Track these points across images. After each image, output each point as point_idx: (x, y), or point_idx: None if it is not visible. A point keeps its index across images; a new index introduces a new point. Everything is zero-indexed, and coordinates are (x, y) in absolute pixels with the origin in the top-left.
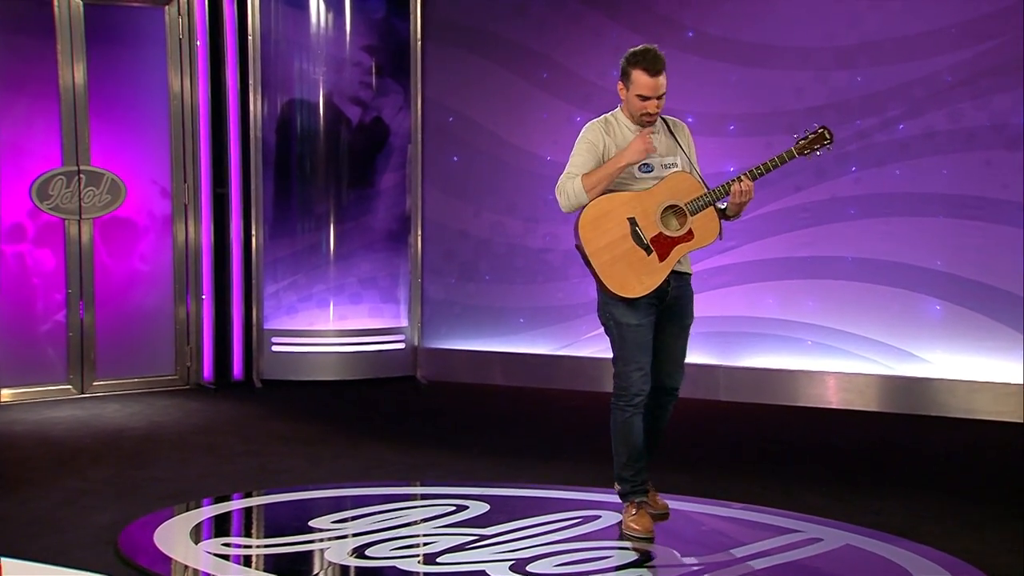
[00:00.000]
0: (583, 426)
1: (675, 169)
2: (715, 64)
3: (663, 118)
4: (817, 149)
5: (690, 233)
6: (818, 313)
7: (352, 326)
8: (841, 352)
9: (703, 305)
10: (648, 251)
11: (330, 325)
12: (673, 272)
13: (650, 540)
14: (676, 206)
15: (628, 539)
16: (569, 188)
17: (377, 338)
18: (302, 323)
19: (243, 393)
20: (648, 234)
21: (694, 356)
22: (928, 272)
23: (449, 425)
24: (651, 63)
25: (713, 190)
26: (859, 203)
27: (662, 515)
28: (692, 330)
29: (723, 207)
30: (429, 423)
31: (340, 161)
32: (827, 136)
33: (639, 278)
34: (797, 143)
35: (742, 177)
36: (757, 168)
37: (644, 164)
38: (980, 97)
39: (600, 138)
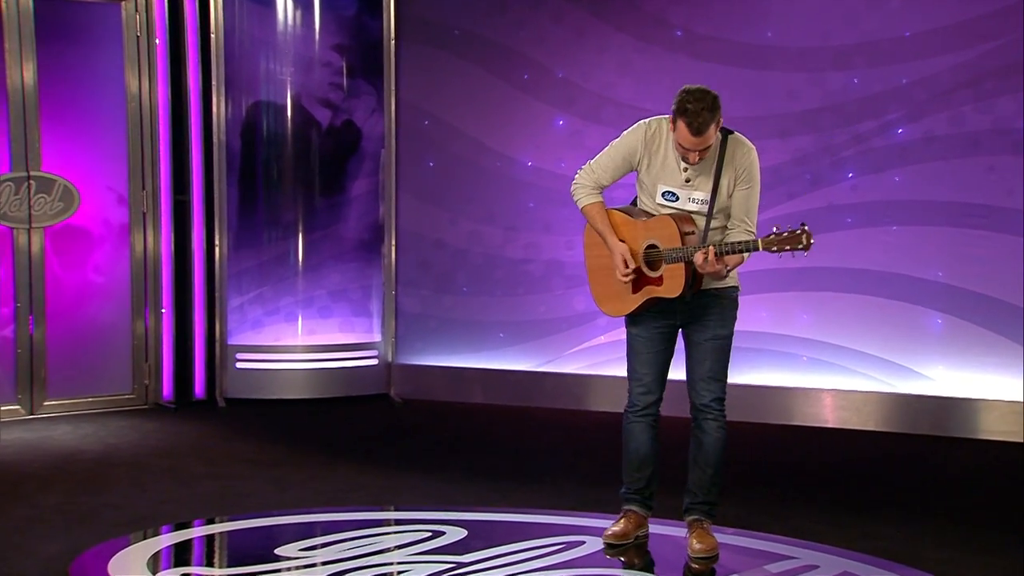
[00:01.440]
0: (566, 447)
1: (690, 207)
2: (705, 65)
3: (727, 139)
4: (788, 249)
5: (661, 279)
6: (813, 327)
7: (322, 341)
8: (838, 368)
9: None
10: None
11: (298, 340)
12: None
13: (613, 547)
14: (657, 248)
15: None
16: (578, 197)
17: (348, 354)
18: (268, 338)
19: (205, 412)
20: (630, 265)
21: (680, 372)
22: (929, 284)
23: (425, 446)
24: (693, 119)
25: (686, 248)
26: (856, 211)
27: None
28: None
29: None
30: (403, 444)
31: (309, 166)
32: (803, 241)
33: (611, 300)
34: (767, 236)
35: (709, 248)
36: (725, 244)
37: (670, 192)
38: (983, 100)
39: (638, 149)
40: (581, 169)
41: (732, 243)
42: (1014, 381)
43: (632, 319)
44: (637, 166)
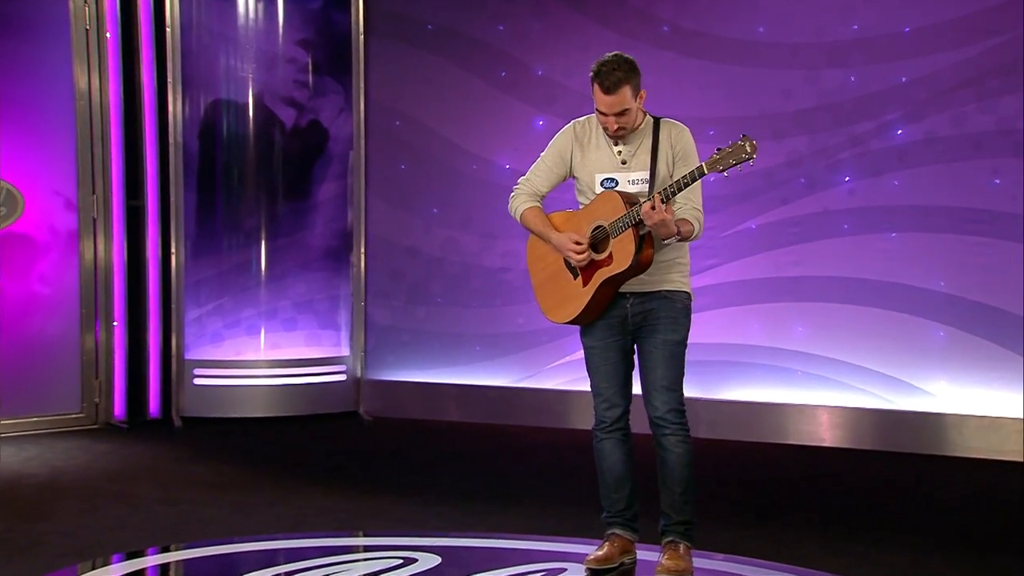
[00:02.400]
0: (547, 468)
1: (618, 188)
2: (693, 62)
3: (659, 122)
4: (735, 164)
5: (610, 257)
6: (808, 340)
7: (286, 356)
8: (834, 383)
9: None
10: (575, 275)
11: (261, 355)
12: (633, 292)
13: (596, 572)
14: (602, 227)
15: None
16: (514, 207)
17: (315, 369)
18: (229, 352)
19: (160, 433)
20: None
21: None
22: (930, 294)
23: (396, 467)
24: (604, 78)
25: (631, 210)
26: (853, 217)
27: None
28: None
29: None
30: (373, 465)
31: (272, 169)
32: (747, 150)
33: (563, 304)
34: (710, 158)
35: (655, 195)
36: (670, 186)
37: (608, 178)
38: (986, 99)
39: (569, 145)
40: (517, 183)
41: (677, 180)
42: (1021, 397)
43: (585, 330)
44: (572, 165)
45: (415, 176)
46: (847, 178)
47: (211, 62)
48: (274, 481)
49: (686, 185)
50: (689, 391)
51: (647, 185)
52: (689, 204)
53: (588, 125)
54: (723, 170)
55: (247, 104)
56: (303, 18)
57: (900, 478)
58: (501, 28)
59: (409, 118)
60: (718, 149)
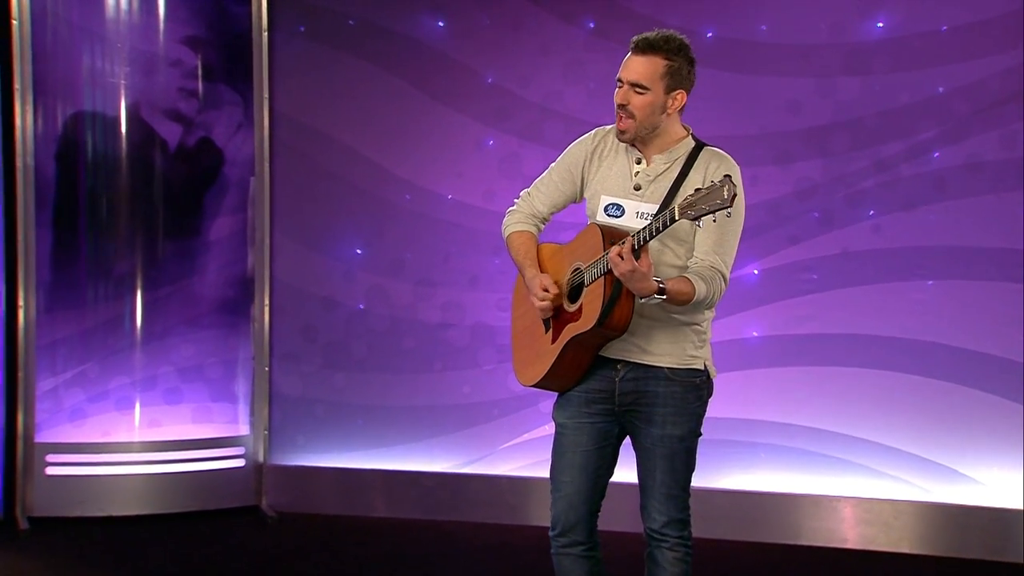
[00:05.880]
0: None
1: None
2: None
3: (701, 148)
4: (708, 212)
5: (580, 310)
6: (826, 413)
7: (168, 436)
8: (859, 468)
9: None
10: (547, 327)
11: (135, 436)
12: (626, 362)
13: None
14: (580, 269)
15: None
16: (505, 224)
17: (205, 453)
18: (94, 433)
19: (1, 537)
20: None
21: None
22: (978, 357)
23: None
24: (640, 39)
25: (604, 254)
26: (880, 260)
27: None
28: None
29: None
30: (279, 574)
31: (151, 200)
32: (724, 195)
33: (533, 361)
34: (685, 199)
35: (626, 240)
36: (643, 231)
37: (613, 204)
38: None
39: (583, 157)
40: (518, 196)
41: (648, 226)
42: None
43: (559, 401)
44: (583, 183)
45: (333, 209)
46: (871, 212)
47: (72, 64)
48: None
49: (657, 231)
50: None
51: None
52: (707, 259)
53: (614, 136)
54: (695, 218)
55: (119, 117)
56: (191, 10)
57: None
58: (441, 25)
59: (325, 136)
60: (696, 189)
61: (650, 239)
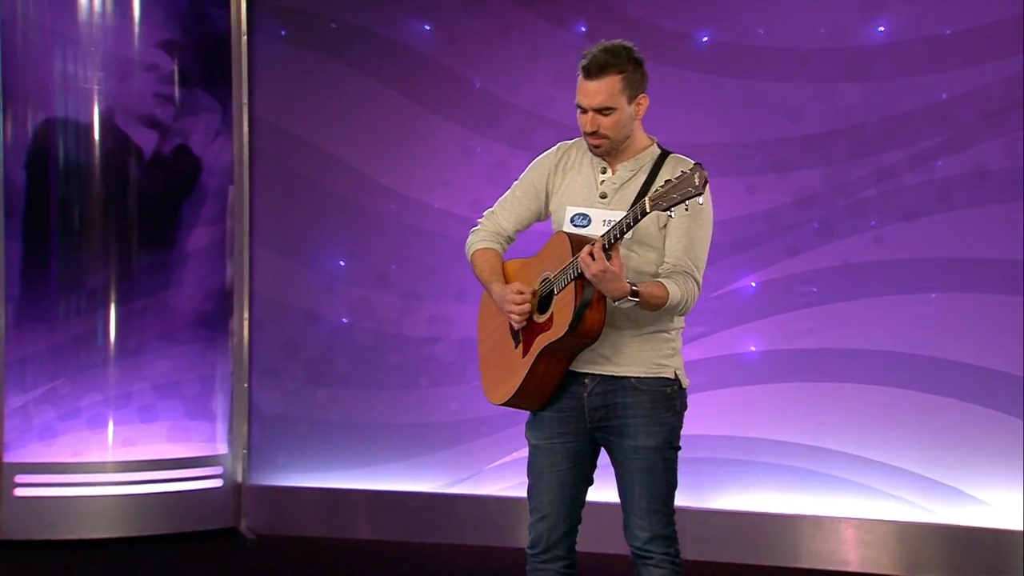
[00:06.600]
0: None
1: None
2: (673, 72)
3: (666, 156)
4: (679, 200)
5: (551, 319)
6: (826, 431)
7: (143, 455)
8: (860, 488)
9: None
10: (516, 341)
11: (108, 455)
12: (594, 374)
13: None
14: (549, 278)
15: None
16: (468, 246)
17: (181, 473)
18: (64, 453)
19: None
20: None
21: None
22: (983, 373)
23: None
24: (589, 60)
25: (575, 258)
26: (882, 273)
27: None
28: None
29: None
30: None
31: (126, 210)
32: (695, 182)
33: (503, 379)
34: (654, 190)
35: (596, 241)
36: (613, 227)
37: (580, 214)
38: None
39: (547, 172)
40: (481, 215)
41: (619, 221)
42: None
43: (531, 422)
44: (548, 198)
45: (315, 219)
46: (873, 223)
47: (43, 69)
48: None
49: (628, 227)
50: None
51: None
52: (680, 263)
53: (578, 149)
54: (666, 208)
55: (91, 124)
56: (167, 12)
57: None
58: (427, 28)
59: (307, 143)
60: (666, 180)
61: (621, 236)
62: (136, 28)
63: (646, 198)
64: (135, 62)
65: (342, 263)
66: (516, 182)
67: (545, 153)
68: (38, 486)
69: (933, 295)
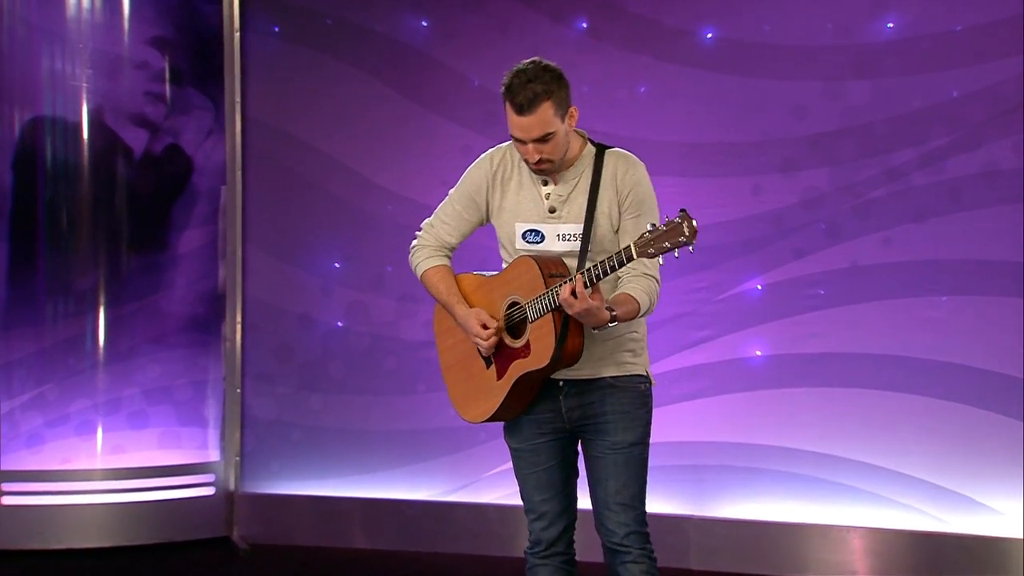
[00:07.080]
0: None
1: (549, 248)
2: (676, 69)
3: (603, 153)
4: (670, 248)
5: (527, 347)
6: (834, 438)
7: (133, 463)
8: (869, 496)
9: (662, 426)
10: (488, 363)
11: (97, 462)
12: (568, 380)
13: None
14: (518, 303)
15: None
16: (415, 262)
17: (172, 481)
18: (52, 460)
19: None
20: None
21: (652, 503)
22: (996, 378)
23: None
24: (516, 93)
25: (550, 290)
26: (891, 275)
27: None
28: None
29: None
30: None
31: (115, 211)
32: (684, 232)
33: (475, 398)
34: (642, 236)
35: (576, 277)
36: (594, 267)
37: (531, 231)
38: None
39: (483, 184)
40: (420, 228)
41: (602, 262)
42: None
43: (509, 427)
44: (488, 209)
45: (309, 220)
46: (881, 223)
47: (30, 66)
48: None
49: (612, 269)
50: (676, 507)
51: (580, 243)
52: (638, 267)
53: (510, 156)
54: (654, 255)
55: (80, 123)
56: (158, 9)
57: None
58: (425, 24)
59: (301, 143)
60: (652, 225)
61: (603, 277)
62: (126, 24)
63: (632, 244)
64: (125, 59)
65: (337, 265)
66: (452, 192)
67: (477, 162)
68: (25, 494)
69: (943, 298)
